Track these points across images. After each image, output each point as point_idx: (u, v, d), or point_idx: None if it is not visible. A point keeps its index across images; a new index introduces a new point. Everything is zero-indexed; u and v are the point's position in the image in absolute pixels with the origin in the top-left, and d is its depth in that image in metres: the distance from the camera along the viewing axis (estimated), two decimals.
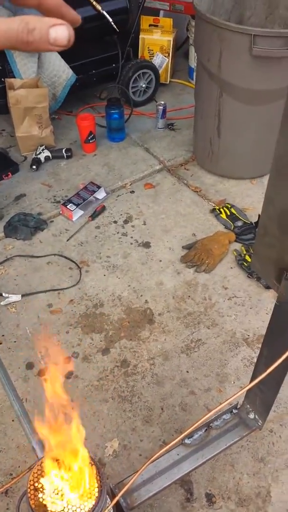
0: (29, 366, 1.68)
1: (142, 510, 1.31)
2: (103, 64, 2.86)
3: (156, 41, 3.04)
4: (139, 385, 1.62)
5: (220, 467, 1.42)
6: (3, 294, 1.92)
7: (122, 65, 2.85)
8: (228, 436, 1.30)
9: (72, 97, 2.78)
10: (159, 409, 1.55)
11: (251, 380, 1.26)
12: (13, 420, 1.52)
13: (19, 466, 1.42)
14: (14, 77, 2.49)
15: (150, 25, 3.06)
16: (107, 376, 1.64)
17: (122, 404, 1.56)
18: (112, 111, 2.63)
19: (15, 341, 1.76)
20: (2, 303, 1.90)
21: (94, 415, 1.54)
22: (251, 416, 1.31)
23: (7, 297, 1.91)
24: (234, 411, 1.31)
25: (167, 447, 1.07)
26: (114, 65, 2.87)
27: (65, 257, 2.09)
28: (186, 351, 1.71)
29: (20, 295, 1.92)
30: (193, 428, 1.09)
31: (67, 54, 2.62)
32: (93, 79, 2.86)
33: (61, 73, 2.64)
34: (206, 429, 1.27)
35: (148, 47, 3.07)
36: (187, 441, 1.25)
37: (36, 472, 0.90)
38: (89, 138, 2.61)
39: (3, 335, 1.79)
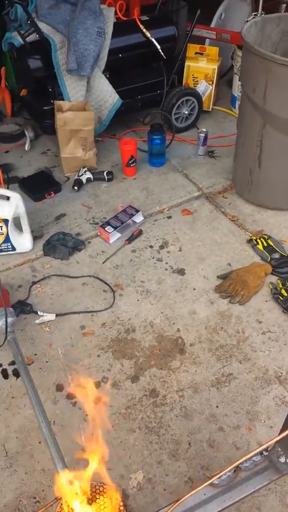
0: (59, 388, 1.69)
1: None
2: (148, 90, 2.91)
3: (201, 68, 3.07)
4: (167, 416, 1.60)
5: (246, 509, 1.38)
6: (38, 313, 1.95)
7: (166, 91, 2.90)
8: (257, 479, 1.26)
9: (115, 121, 2.83)
10: (187, 443, 1.53)
11: (285, 424, 1.23)
12: (39, 442, 1.52)
13: (43, 490, 1.42)
14: (63, 99, 2.57)
15: (196, 53, 3.10)
16: (135, 405, 1.63)
17: (149, 435, 1.55)
18: (155, 137, 2.67)
19: (47, 361, 1.78)
20: (36, 321, 1.93)
21: (120, 444, 1.53)
22: (282, 460, 1.27)
23: (42, 316, 1.94)
24: (265, 453, 1.28)
25: (195, 491, 1.05)
26: (159, 91, 2.92)
27: (100, 279, 2.11)
28: (216, 385, 1.69)
29: (55, 315, 1.95)
30: (224, 473, 1.07)
31: (115, 79, 2.70)
32: (138, 104, 2.92)
33: (108, 97, 2.70)
34: (234, 470, 1.24)
35: (192, 74, 3.11)
36: (215, 481, 1.22)
37: (63, 504, 0.90)
38: (130, 162, 2.65)
39: (35, 354, 1.81)
